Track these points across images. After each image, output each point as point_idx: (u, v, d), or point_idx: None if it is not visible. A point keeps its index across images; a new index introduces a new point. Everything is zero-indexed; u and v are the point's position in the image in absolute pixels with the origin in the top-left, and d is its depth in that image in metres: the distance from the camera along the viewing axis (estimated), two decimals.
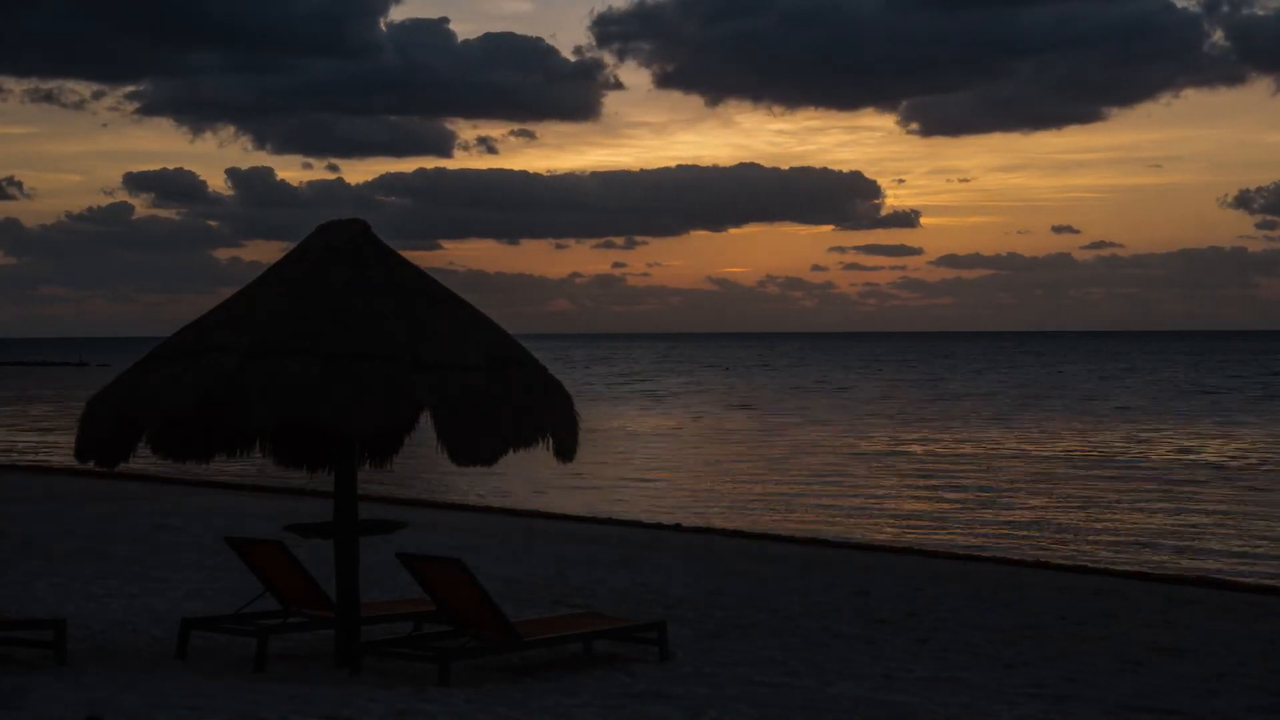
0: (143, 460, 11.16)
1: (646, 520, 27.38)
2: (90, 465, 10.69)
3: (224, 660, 11.06)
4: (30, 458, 42.82)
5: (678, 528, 26.04)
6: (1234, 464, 39.81)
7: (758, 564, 19.34)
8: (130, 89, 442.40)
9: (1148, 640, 13.66)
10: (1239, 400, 73.45)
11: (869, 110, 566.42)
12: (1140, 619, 15.29)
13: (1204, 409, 65.98)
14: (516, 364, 10.52)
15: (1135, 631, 14.27)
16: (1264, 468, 38.88)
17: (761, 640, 12.68)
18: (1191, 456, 42.22)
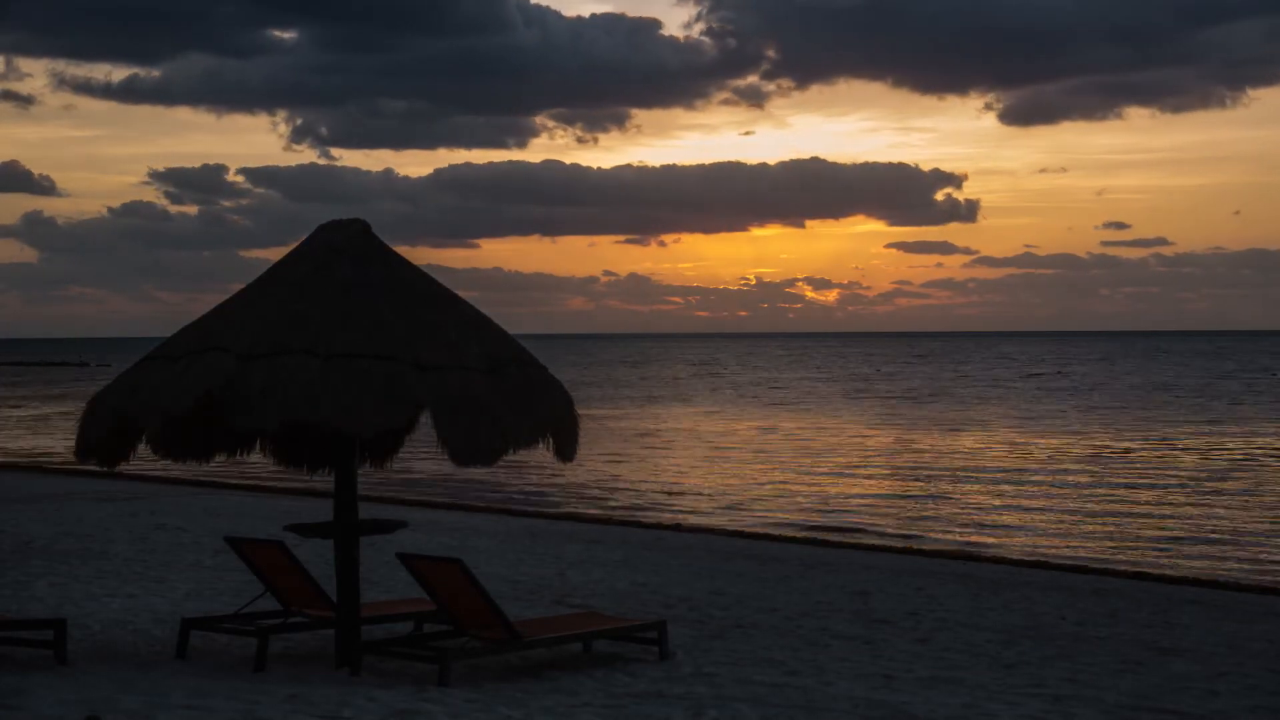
0: (143, 460, 11.15)
1: (646, 520, 27.41)
2: (90, 465, 10.69)
3: (224, 660, 11.06)
4: (30, 458, 42.81)
5: (677, 528, 26.06)
6: None
7: (758, 564, 19.34)
8: (163, 73, 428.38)
9: (1148, 640, 13.66)
10: None
11: (972, 95, 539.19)
12: (1140, 619, 15.29)
13: None
14: (516, 364, 10.51)
15: (1135, 631, 14.27)
16: None
17: (761, 640, 12.68)
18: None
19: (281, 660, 10.96)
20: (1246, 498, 31.73)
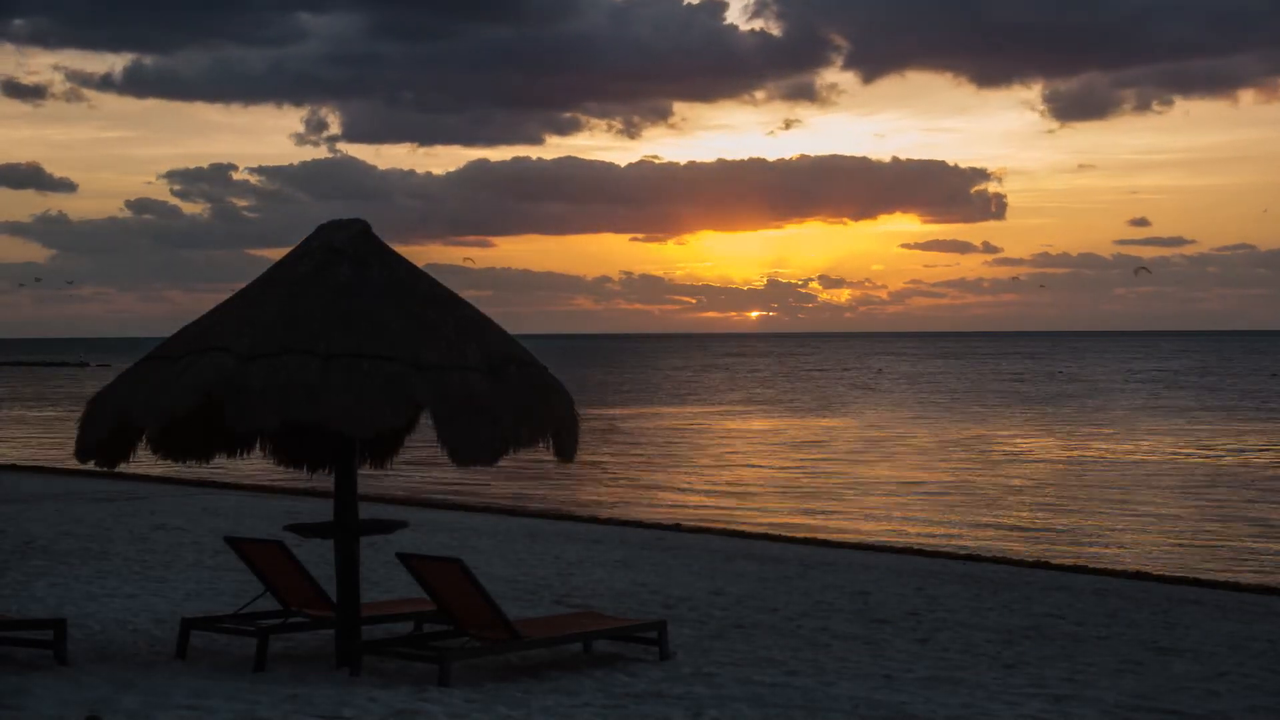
0: (143, 460, 11.16)
1: (646, 520, 27.41)
2: (90, 465, 10.68)
3: (224, 660, 11.06)
4: (30, 458, 42.78)
5: (677, 528, 26.06)
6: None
7: (758, 564, 19.33)
8: (181, 65, 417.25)
9: (1148, 640, 13.65)
10: None
11: (1033, 87, 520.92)
12: (1140, 619, 15.29)
13: None
14: (516, 364, 10.51)
15: (1135, 631, 14.27)
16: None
17: (761, 640, 12.68)
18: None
19: (281, 660, 10.95)
20: (1247, 497, 31.74)
